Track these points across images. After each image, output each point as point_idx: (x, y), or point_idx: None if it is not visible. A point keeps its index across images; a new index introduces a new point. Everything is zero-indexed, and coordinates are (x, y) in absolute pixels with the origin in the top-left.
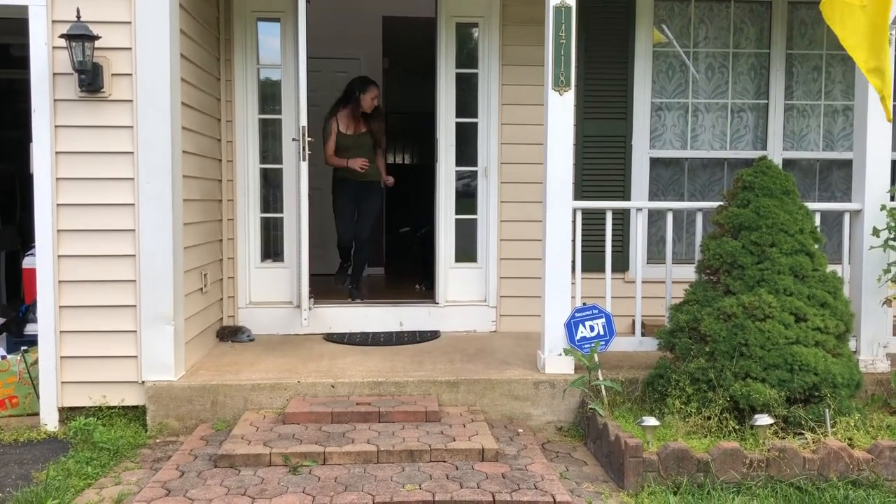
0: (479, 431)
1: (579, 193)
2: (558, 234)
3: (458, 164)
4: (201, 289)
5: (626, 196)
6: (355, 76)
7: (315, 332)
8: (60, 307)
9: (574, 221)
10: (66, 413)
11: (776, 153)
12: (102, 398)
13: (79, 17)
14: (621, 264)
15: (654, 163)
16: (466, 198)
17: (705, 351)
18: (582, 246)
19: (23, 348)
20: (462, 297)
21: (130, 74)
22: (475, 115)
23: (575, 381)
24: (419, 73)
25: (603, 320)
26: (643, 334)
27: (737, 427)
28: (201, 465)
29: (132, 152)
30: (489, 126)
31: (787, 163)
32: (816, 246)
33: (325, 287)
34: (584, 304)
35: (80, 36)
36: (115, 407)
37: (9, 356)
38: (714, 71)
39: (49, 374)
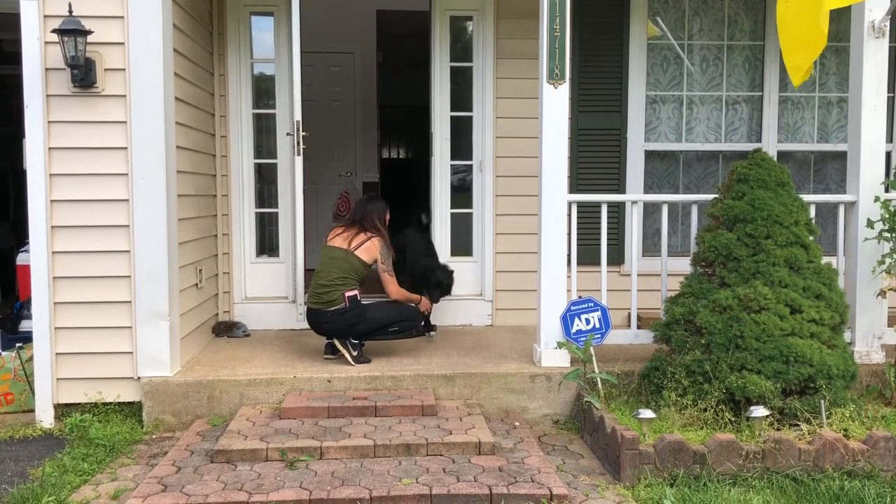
0: (475, 425)
1: (574, 187)
2: (554, 227)
3: (453, 158)
4: (196, 284)
5: (621, 189)
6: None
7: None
8: (55, 303)
9: (569, 215)
10: (62, 409)
11: (771, 145)
12: (98, 394)
13: (71, 11)
14: (617, 257)
15: (649, 155)
16: (462, 192)
17: (701, 343)
18: (577, 239)
19: (18, 345)
20: (458, 291)
21: (123, 69)
22: (470, 109)
23: (569, 374)
24: (414, 67)
25: (598, 313)
26: (639, 327)
27: (733, 419)
28: (198, 460)
29: (126, 148)
30: (484, 120)
31: (782, 155)
32: (811, 238)
33: None
34: (580, 297)
35: (72, 31)
36: (110, 403)
37: (4, 353)
38: (708, 63)
39: (44, 371)
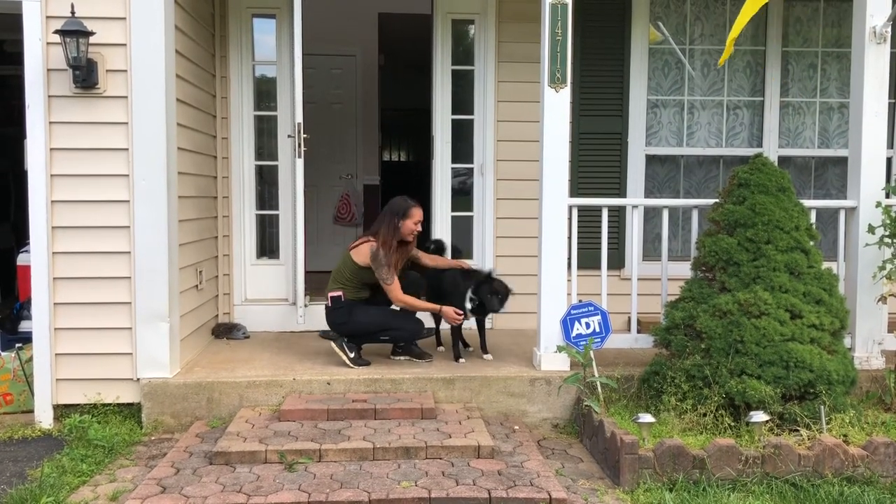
0: (474, 428)
1: (575, 190)
2: (554, 231)
3: (454, 161)
4: (196, 286)
5: (621, 193)
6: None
7: (310, 330)
8: (55, 304)
9: (570, 218)
10: (61, 410)
11: (772, 150)
12: (97, 395)
13: (73, 12)
14: (617, 261)
15: (650, 160)
16: (462, 195)
17: (701, 348)
18: (578, 243)
19: (17, 345)
20: None
21: (125, 71)
22: (471, 112)
23: (569, 378)
24: (415, 70)
25: (599, 317)
26: (639, 331)
27: (732, 424)
28: (197, 462)
29: (127, 149)
30: (485, 123)
31: (783, 160)
32: (812, 243)
33: (319, 284)
34: (580, 301)
35: (74, 32)
36: (110, 404)
37: (3, 353)
38: (710, 68)
39: (44, 372)
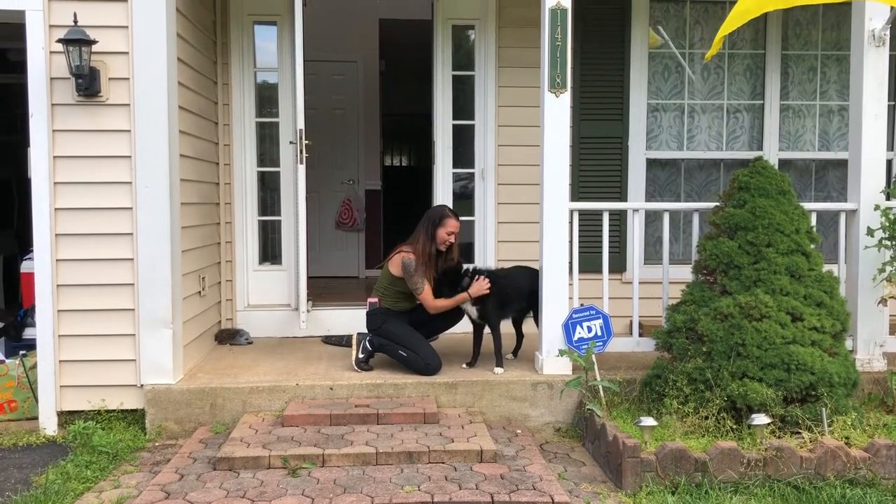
0: (477, 433)
1: (576, 195)
2: (555, 235)
3: (455, 166)
4: (199, 292)
5: (622, 197)
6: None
7: (313, 335)
8: (59, 311)
9: (571, 223)
10: (65, 417)
11: (772, 153)
12: (101, 402)
13: (76, 21)
14: (618, 265)
15: (651, 164)
16: (464, 199)
17: (702, 351)
18: (579, 247)
19: (21, 352)
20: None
21: (128, 78)
22: (472, 117)
23: (571, 382)
24: (416, 76)
25: (600, 321)
26: (641, 335)
27: (734, 427)
28: (200, 467)
29: (130, 156)
30: (486, 128)
31: (783, 163)
32: (812, 246)
33: (322, 290)
34: (582, 304)
35: (76, 40)
36: (113, 410)
37: (7, 360)
38: (710, 72)
39: (48, 378)
